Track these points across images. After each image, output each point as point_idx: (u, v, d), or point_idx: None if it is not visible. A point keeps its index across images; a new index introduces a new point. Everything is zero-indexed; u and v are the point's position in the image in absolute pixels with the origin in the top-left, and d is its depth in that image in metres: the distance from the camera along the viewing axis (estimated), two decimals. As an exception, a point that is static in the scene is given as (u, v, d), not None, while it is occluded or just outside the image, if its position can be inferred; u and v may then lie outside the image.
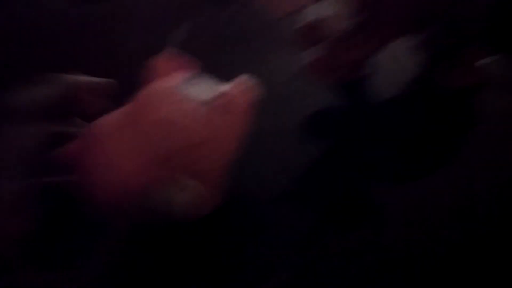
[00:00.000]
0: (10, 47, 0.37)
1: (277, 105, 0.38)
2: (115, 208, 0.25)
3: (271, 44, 0.39)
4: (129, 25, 0.38)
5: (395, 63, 0.39)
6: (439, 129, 0.35)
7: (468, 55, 0.34)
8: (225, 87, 0.27)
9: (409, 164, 0.33)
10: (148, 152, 0.24)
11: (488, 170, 0.32)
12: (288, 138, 0.36)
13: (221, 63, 0.37)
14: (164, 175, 0.24)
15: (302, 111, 0.37)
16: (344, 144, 0.35)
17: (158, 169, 0.24)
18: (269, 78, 0.37)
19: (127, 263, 0.28)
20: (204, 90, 0.27)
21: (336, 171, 0.33)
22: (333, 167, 0.34)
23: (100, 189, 0.24)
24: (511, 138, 0.33)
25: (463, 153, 0.34)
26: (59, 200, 0.25)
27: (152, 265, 0.29)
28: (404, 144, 0.34)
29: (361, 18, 0.28)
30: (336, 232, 0.31)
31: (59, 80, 0.25)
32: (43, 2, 0.43)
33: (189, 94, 0.26)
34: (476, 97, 0.37)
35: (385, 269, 0.29)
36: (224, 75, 0.29)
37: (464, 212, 0.30)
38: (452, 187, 0.32)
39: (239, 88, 0.27)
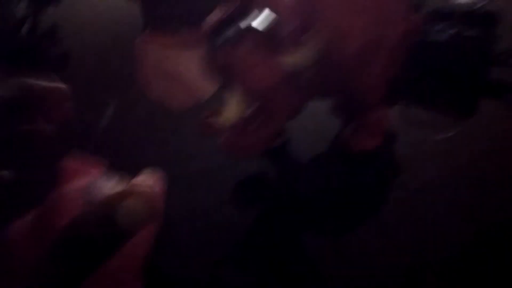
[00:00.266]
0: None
1: (197, 182, 0.39)
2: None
3: (178, 132, 0.42)
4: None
5: (316, 123, 0.42)
6: (363, 182, 0.37)
7: (372, 119, 0.37)
8: (133, 181, 0.28)
9: (340, 218, 0.35)
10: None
11: (412, 218, 0.34)
12: (220, 210, 0.37)
13: (128, 157, 0.39)
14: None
15: (227, 185, 0.39)
16: (275, 207, 0.37)
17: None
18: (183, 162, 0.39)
19: None
20: (112, 187, 0.28)
21: (271, 232, 0.35)
22: (268, 229, 0.35)
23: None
24: (432, 183, 0.36)
25: (389, 203, 0.36)
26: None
27: None
28: (333, 199, 0.36)
29: (259, 104, 0.30)
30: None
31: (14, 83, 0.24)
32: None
33: (95, 195, 0.27)
34: (390, 151, 0.40)
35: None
36: (132, 169, 0.30)
37: (394, 259, 0.32)
38: (381, 236, 0.33)
39: (148, 179, 0.28)
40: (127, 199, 0.17)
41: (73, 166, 0.27)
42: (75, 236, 0.16)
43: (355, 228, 0.34)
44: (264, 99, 0.29)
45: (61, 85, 0.29)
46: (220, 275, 0.32)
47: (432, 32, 0.43)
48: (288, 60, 0.28)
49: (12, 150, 0.24)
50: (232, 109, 0.29)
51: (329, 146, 0.39)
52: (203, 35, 0.28)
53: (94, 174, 0.27)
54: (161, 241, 0.33)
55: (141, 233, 0.26)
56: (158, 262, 0.31)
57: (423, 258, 0.31)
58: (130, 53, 0.30)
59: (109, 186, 0.27)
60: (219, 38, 0.27)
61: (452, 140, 0.39)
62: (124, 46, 0.36)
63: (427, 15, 0.46)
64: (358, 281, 0.31)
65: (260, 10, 0.27)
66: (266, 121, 0.30)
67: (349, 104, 0.38)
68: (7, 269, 0.21)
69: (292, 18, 0.27)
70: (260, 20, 0.27)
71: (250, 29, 0.27)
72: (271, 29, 0.27)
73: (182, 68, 0.30)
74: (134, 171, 0.31)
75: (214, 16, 0.28)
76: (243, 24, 0.27)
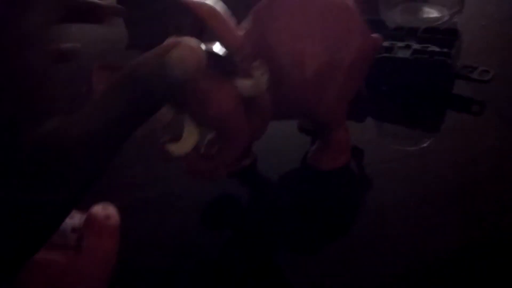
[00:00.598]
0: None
1: (163, 205, 0.39)
2: None
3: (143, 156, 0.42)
4: None
5: (285, 142, 0.42)
6: (333, 200, 0.37)
7: (336, 139, 0.37)
8: (87, 214, 0.28)
9: (311, 236, 0.34)
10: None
11: (383, 233, 0.34)
12: (188, 233, 0.36)
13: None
14: None
15: (195, 207, 0.38)
16: (244, 228, 0.36)
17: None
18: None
19: None
20: (67, 221, 0.27)
21: (242, 253, 0.34)
22: (238, 251, 0.34)
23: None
24: (402, 199, 0.36)
25: (360, 219, 0.36)
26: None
27: None
28: (303, 218, 0.35)
29: (218, 129, 0.30)
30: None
31: None
32: None
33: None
34: (359, 167, 0.40)
35: None
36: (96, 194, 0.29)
37: (366, 274, 0.32)
38: (353, 252, 0.33)
39: (101, 213, 0.27)
40: (173, 50, 0.17)
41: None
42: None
43: (327, 246, 0.33)
44: (222, 124, 0.28)
45: None
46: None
47: (396, 48, 0.44)
48: (242, 86, 0.28)
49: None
50: (189, 135, 0.29)
51: (298, 165, 0.39)
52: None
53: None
54: (128, 265, 0.32)
55: (98, 255, 0.26)
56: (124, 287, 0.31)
57: (395, 273, 0.31)
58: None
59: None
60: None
61: (421, 154, 0.39)
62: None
63: (391, 32, 0.47)
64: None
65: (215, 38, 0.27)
66: (227, 146, 0.30)
67: (312, 124, 0.38)
68: None
69: (244, 46, 0.27)
70: (218, 45, 0.27)
71: (209, 53, 0.27)
72: (226, 55, 0.27)
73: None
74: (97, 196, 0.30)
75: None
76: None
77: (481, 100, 0.42)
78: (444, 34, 0.45)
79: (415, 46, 0.44)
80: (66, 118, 0.17)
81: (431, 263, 0.31)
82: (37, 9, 0.18)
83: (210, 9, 0.25)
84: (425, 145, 0.40)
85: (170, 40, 0.18)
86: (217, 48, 0.27)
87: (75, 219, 0.27)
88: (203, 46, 0.27)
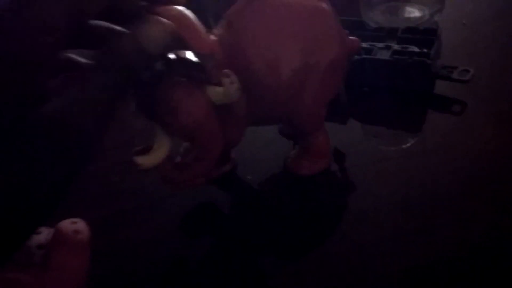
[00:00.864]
0: None
1: (142, 215, 0.38)
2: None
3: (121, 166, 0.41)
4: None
5: (264, 149, 0.41)
6: (315, 204, 0.36)
7: (314, 144, 0.36)
8: (54, 229, 0.27)
9: (295, 241, 0.34)
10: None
11: (367, 237, 0.34)
12: (168, 243, 0.36)
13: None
14: None
15: (175, 216, 0.37)
16: (226, 235, 0.35)
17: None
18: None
19: None
20: (33, 237, 0.26)
21: (224, 261, 0.33)
22: (219, 259, 0.34)
23: None
24: (385, 201, 0.35)
25: (342, 223, 0.35)
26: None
27: None
28: (285, 223, 0.35)
29: (191, 138, 0.29)
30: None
31: None
32: None
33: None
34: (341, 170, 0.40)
35: None
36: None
37: (351, 278, 0.31)
38: (337, 256, 0.33)
39: (69, 228, 0.26)
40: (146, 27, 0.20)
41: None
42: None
43: (310, 251, 0.33)
44: (193, 133, 0.28)
45: None
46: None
47: (376, 49, 0.43)
48: (214, 94, 0.27)
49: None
50: (159, 147, 0.28)
51: (279, 170, 0.39)
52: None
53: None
54: (109, 275, 0.32)
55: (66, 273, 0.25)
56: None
57: (381, 276, 0.30)
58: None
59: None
60: (147, 72, 0.26)
61: (403, 156, 0.39)
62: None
63: (371, 33, 0.47)
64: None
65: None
66: (201, 155, 0.29)
67: (290, 129, 0.37)
68: None
69: (214, 52, 0.26)
70: (189, 52, 0.27)
71: (181, 60, 0.27)
72: (197, 62, 0.27)
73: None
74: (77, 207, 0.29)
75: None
76: (172, 56, 0.27)
77: (462, 100, 0.42)
78: (423, 34, 0.44)
79: (395, 47, 0.43)
80: (63, 96, 0.19)
81: (418, 266, 0.30)
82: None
83: (179, 14, 0.24)
84: (407, 145, 0.40)
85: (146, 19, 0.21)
86: (188, 55, 0.26)
87: (41, 235, 0.26)
88: (172, 55, 0.26)
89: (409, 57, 0.41)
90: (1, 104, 0.19)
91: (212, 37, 0.30)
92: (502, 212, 0.33)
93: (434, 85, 0.43)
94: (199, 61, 0.26)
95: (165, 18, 0.23)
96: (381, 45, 0.44)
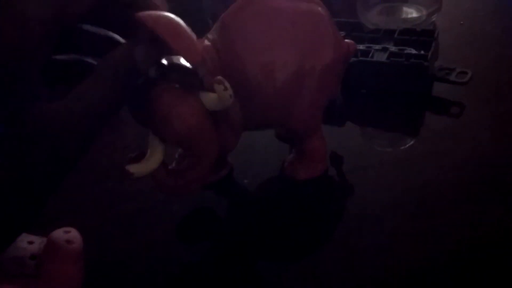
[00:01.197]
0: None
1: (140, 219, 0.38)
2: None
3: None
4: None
5: (261, 153, 0.41)
6: (312, 207, 0.36)
7: (311, 148, 0.36)
8: (47, 239, 0.26)
9: (292, 244, 0.33)
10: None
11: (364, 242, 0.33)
12: (165, 247, 0.35)
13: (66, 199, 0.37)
14: None
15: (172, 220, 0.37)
16: (223, 239, 0.35)
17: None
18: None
19: None
20: (26, 247, 0.26)
21: (222, 265, 0.33)
22: (218, 263, 0.33)
23: None
24: (382, 205, 0.35)
25: (339, 227, 0.35)
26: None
27: None
28: (282, 227, 0.34)
29: (185, 145, 0.29)
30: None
31: None
32: None
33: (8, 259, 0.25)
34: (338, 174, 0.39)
35: None
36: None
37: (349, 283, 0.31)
38: (334, 260, 0.32)
39: (62, 237, 0.26)
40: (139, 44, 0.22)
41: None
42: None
43: (307, 256, 0.33)
44: (187, 140, 0.27)
45: None
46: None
47: (373, 51, 0.43)
48: (207, 100, 0.27)
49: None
50: (152, 155, 0.27)
51: (276, 175, 0.38)
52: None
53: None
54: (103, 285, 0.31)
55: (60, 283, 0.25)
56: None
57: (378, 280, 0.30)
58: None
59: (23, 246, 0.25)
60: (140, 78, 0.26)
61: (402, 159, 0.38)
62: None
63: (368, 34, 0.46)
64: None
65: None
66: (196, 161, 0.29)
67: (286, 134, 0.37)
68: None
69: (206, 59, 0.26)
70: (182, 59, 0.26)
71: (174, 66, 0.26)
72: (190, 69, 0.26)
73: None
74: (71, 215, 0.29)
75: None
76: (165, 61, 0.26)
77: (460, 102, 0.42)
78: (420, 36, 0.44)
79: (392, 49, 0.43)
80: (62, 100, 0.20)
81: (418, 270, 0.30)
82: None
83: (169, 22, 0.24)
84: (405, 148, 0.39)
85: (134, 38, 0.22)
86: (181, 60, 0.26)
87: (34, 245, 0.26)
88: (165, 61, 0.26)
89: (406, 59, 0.41)
90: None
91: (206, 42, 0.30)
92: (501, 214, 0.32)
93: (432, 87, 0.43)
94: (192, 67, 0.26)
95: (154, 27, 0.23)
96: (378, 47, 0.43)
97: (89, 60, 0.24)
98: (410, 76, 0.41)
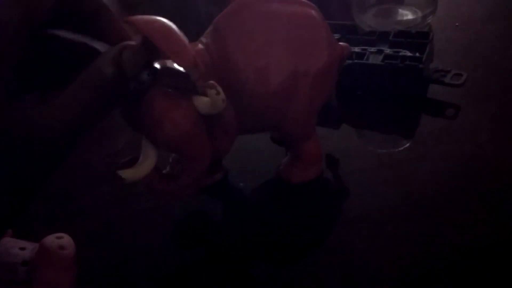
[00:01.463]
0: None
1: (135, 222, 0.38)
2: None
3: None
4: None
5: (256, 156, 0.41)
6: (308, 210, 0.36)
7: (306, 151, 0.36)
8: (39, 245, 0.26)
9: (288, 248, 0.33)
10: None
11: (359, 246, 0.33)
12: (160, 251, 0.35)
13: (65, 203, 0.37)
14: None
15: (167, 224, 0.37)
16: (218, 244, 0.35)
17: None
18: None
19: None
20: (17, 253, 0.25)
21: (218, 269, 0.33)
22: (213, 267, 0.33)
23: None
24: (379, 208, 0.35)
25: (335, 230, 0.35)
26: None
27: None
28: (278, 231, 0.34)
29: (178, 149, 0.29)
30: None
31: None
32: None
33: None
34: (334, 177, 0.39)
35: None
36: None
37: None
38: (330, 265, 0.32)
39: (54, 243, 0.26)
40: (124, 51, 0.21)
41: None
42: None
43: (304, 258, 0.32)
44: (180, 145, 0.27)
45: None
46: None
47: (368, 53, 0.43)
48: (200, 104, 0.27)
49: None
50: (145, 160, 0.27)
51: (271, 178, 0.38)
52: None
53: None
54: (101, 285, 0.31)
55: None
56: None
57: (375, 283, 0.30)
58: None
59: (15, 252, 0.24)
60: (132, 82, 0.26)
61: (398, 161, 0.38)
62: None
63: (363, 37, 0.46)
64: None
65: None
66: (190, 165, 0.29)
67: (281, 137, 0.37)
68: None
69: (199, 63, 0.26)
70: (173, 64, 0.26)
71: (166, 70, 0.26)
72: (183, 73, 0.26)
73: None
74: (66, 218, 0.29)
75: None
76: (157, 65, 0.26)
77: (455, 104, 0.42)
78: (416, 38, 0.44)
79: (387, 51, 0.43)
80: (43, 104, 0.20)
81: (415, 272, 0.30)
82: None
83: (161, 26, 0.24)
84: (401, 150, 0.39)
85: (121, 43, 0.22)
86: (174, 64, 0.26)
87: (26, 251, 0.25)
88: (158, 64, 0.26)
89: (401, 61, 0.41)
90: None
91: (199, 46, 0.30)
92: (498, 216, 0.32)
93: (427, 89, 0.43)
94: (184, 70, 0.26)
95: (146, 31, 0.23)
96: (373, 49, 0.43)
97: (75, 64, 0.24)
98: (405, 78, 0.41)
